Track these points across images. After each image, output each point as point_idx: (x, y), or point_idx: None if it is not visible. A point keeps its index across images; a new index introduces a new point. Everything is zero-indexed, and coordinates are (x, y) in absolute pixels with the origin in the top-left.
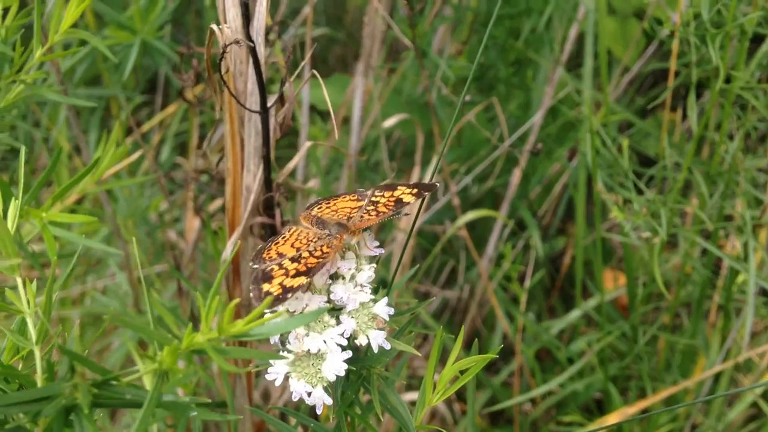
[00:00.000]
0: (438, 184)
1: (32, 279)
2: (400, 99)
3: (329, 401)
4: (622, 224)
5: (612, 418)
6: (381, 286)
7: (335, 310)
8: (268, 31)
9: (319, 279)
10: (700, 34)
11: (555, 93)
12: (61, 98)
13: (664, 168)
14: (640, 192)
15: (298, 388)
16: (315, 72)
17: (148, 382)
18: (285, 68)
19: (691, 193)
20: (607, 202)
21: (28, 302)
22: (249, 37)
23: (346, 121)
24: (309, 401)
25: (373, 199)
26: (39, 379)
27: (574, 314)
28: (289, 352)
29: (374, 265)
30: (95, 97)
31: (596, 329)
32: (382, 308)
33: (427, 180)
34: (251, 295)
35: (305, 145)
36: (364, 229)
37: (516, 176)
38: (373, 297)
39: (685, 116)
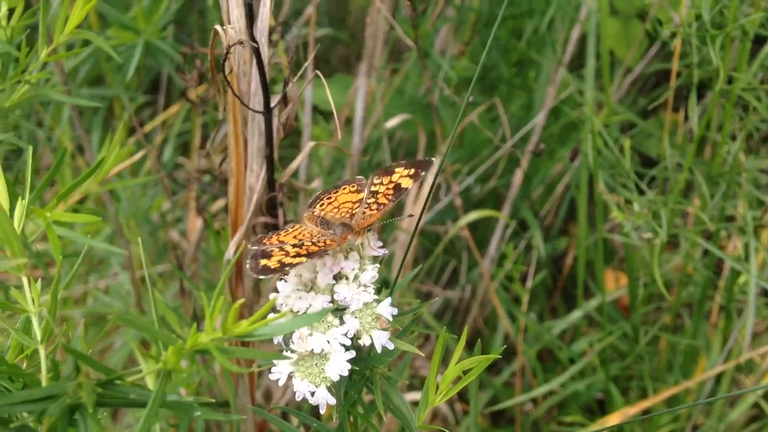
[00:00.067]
0: (434, 160)
1: (36, 278)
2: (402, 99)
3: (333, 401)
4: (623, 225)
5: (613, 419)
6: (383, 286)
7: (339, 310)
8: (271, 32)
9: (323, 279)
10: (701, 35)
11: (557, 93)
12: (66, 98)
13: (666, 169)
14: (641, 192)
15: (302, 388)
16: (318, 72)
17: (150, 382)
18: (288, 69)
19: (693, 193)
20: (608, 202)
21: (33, 301)
22: (253, 38)
23: (348, 121)
24: (312, 401)
25: (373, 188)
26: (44, 378)
27: (576, 314)
28: (293, 351)
29: (378, 265)
30: (98, 97)
31: (598, 329)
32: (386, 308)
33: (428, 182)
34: (247, 266)
35: (308, 145)
36: (368, 229)
37: (518, 177)
38: (376, 297)
39: (687, 117)
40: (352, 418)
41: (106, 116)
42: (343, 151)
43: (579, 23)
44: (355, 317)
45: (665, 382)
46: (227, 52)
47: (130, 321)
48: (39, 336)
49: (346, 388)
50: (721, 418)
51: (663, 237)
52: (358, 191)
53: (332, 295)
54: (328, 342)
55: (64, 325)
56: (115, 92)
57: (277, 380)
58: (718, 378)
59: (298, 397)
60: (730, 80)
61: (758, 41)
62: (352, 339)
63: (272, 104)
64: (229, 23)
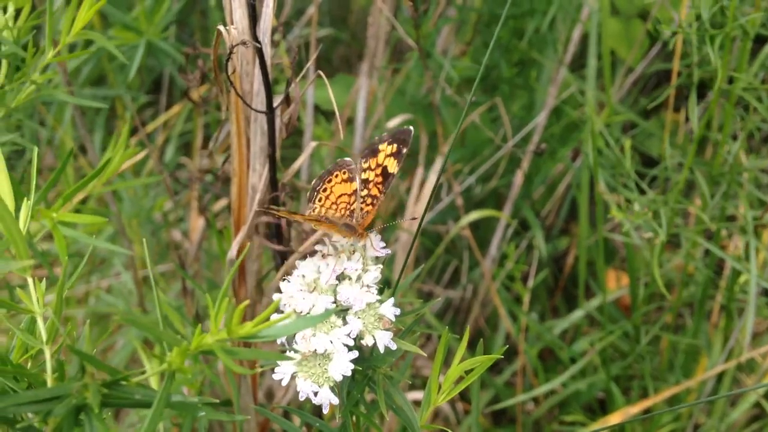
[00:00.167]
0: (411, 129)
1: (40, 278)
2: (403, 99)
3: (336, 401)
4: (624, 224)
5: (614, 418)
6: (385, 286)
7: (342, 311)
8: (273, 32)
9: (326, 279)
10: (700, 34)
11: (558, 93)
12: (70, 98)
13: (667, 168)
14: (642, 192)
15: (305, 388)
16: (321, 73)
17: (154, 382)
18: (290, 69)
19: (694, 193)
20: (609, 202)
21: (37, 301)
22: (255, 38)
23: (350, 121)
24: (316, 401)
25: (363, 175)
26: (49, 378)
27: (577, 314)
28: (296, 352)
29: (380, 265)
30: (100, 97)
31: (599, 329)
32: (389, 309)
33: (430, 182)
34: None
35: (310, 145)
36: (369, 229)
37: (519, 176)
38: (379, 298)
39: (688, 117)
40: (354, 418)
41: (108, 116)
42: (344, 150)
43: (580, 23)
44: (358, 318)
45: (666, 381)
46: (230, 52)
47: (135, 321)
48: (45, 336)
49: (348, 388)
50: (723, 417)
51: (663, 237)
52: (350, 179)
53: (335, 296)
54: (331, 342)
55: (68, 324)
56: (117, 92)
57: (280, 380)
58: (719, 377)
59: (302, 397)
60: (731, 80)
61: (759, 41)
62: (354, 339)
63: (275, 104)
64: (232, 23)
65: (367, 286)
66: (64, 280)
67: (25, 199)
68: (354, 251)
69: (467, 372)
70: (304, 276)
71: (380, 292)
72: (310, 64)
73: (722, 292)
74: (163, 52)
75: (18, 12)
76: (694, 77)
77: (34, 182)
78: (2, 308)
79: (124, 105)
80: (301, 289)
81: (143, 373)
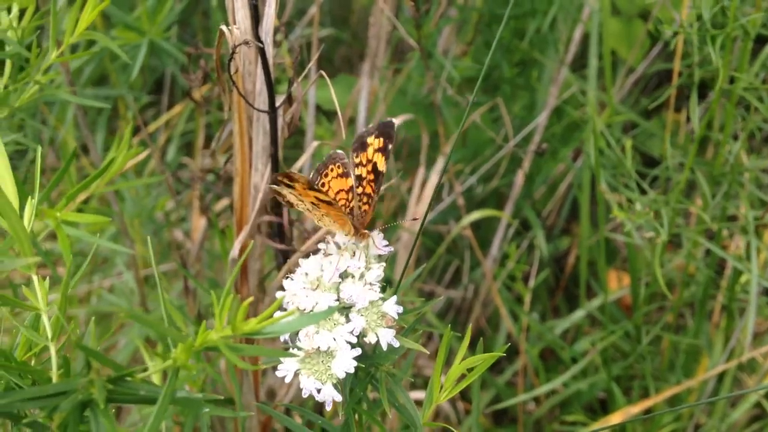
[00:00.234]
0: (395, 121)
1: (43, 277)
2: (405, 99)
3: (339, 398)
4: (625, 224)
5: (615, 418)
6: (387, 285)
7: (345, 309)
8: (275, 32)
9: (329, 277)
10: (702, 35)
11: (559, 93)
12: (73, 98)
13: (668, 168)
14: (643, 192)
15: (308, 385)
16: (323, 73)
17: (156, 380)
18: (292, 69)
19: (695, 193)
20: (610, 202)
21: (42, 299)
22: (258, 38)
23: (351, 121)
24: (319, 398)
25: (356, 171)
26: (54, 374)
27: (578, 314)
28: (299, 349)
29: (383, 263)
30: (102, 97)
31: (600, 329)
32: (392, 306)
33: (431, 182)
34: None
35: (312, 144)
36: (370, 229)
37: (520, 176)
38: (382, 295)
39: (689, 117)
40: (357, 416)
41: (110, 116)
42: (346, 150)
43: (581, 23)
44: (361, 315)
45: (667, 381)
46: (233, 52)
47: (140, 318)
48: (50, 333)
49: (351, 386)
50: (723, 417)
51: (665, 237)
52: (345, 174)
53: (338, 294)
54: (335, 340)
55: (71, 323)
56: (119, 92)
57: (281, 379)
58: (720, 377)
59: (305, 394)
60: (731, 80)
61: (759, 41)
62: (357, 336)
63: (277, 104)
64: (235, 23)
65: (370, 283)
66: (69, 277)
67: (30, 197)
68: (356, 250)
69: (469, 370)
70: (307, 274)
71: (383, 290)
72: (312, 64)
73: (723, 292)
74: (166, 52)
75: (22, 12)
76: (695, 77)
77: (38, 181)
78: (8, 305)
79: (127, 105)
80: (304, 287)
81: (147, 370)
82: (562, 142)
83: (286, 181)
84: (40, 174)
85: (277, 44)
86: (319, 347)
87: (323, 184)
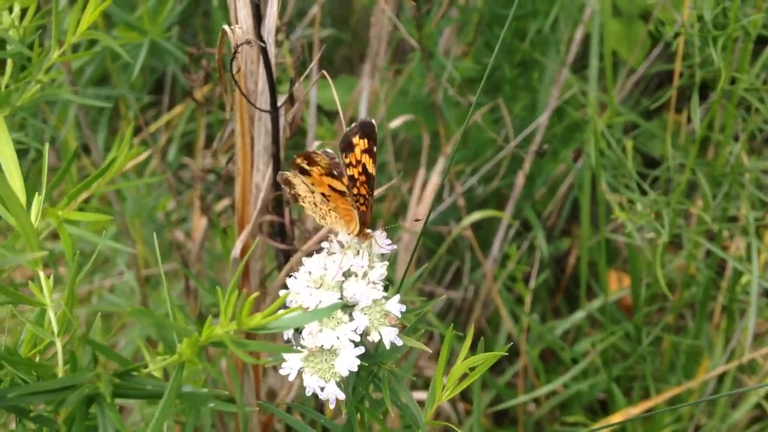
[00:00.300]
0: (374, 121)
1: (47, 276)
2: (405, 100)
3: (342, 396)
4: (626, 225)
5: (615, 419)
6: (389, 285)
7: (348, 307)
8: (276, 32)
9: (332, 275)
10: (703, 36)
11: (560, 94)
12: (75, 98)
13: (668, 169)
14: (644, 193)
15: (312, 383)
16: (325, 73)
17: (158, 376)
18: (294, 69)
19: (696, 194)
20: (611, 203)
21: (48, 294)
22: (260, 38)
23: (352, 121)
24: (322, 396)
25: (349, 172)
26: (60, 369)
27: (579, 315)
28: (303, 347)
29: (386, 262)
30: (104, 96)
31: (600, 330)
32: (395, 305)
33: (432, 183)
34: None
35: (313, 145)
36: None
37: (521, 177)
38: (385, 294)
39: (689, 118)
40: (359, 415)
41: (111, 116)
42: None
43: (582, 24)
44: (365, 314)
45: (668, 382)
46: (235, 52)
47: (146, 313)
48: (56, 329)
49: (354, 384)
50: (724, 418)
51: (665, 237)
52: (340, 174)
53: (342, 292)
54: (338, 338)
55: (75, 321)
56: (120, 92)
57: (282, 379)
58: (721, 378)
59: (308, 392)
60: (732, 81)
61: (760, 42)
62: (360, 335)
63: (279, 103)
64: (237, 23)
65: (373, 282)
66: (75, 274)
67: (37, 194)
68: (359, 249)
69: (471, 370)
70: (310, 272)
71: (385, 289)
72: (314, 64)
73: (724, 293)
74: (167, 52)
75: (24, 12)
76: (696, 78)
77: (45, 178)
78: (15, 302)
79: (128, 104)
80: (307, 285)
81: (148, 366)
82: (563, 143)
83: (304, 164)
84: (41, 173)
85: (278, 44)
86: (322, 345)
87: (314, 183)
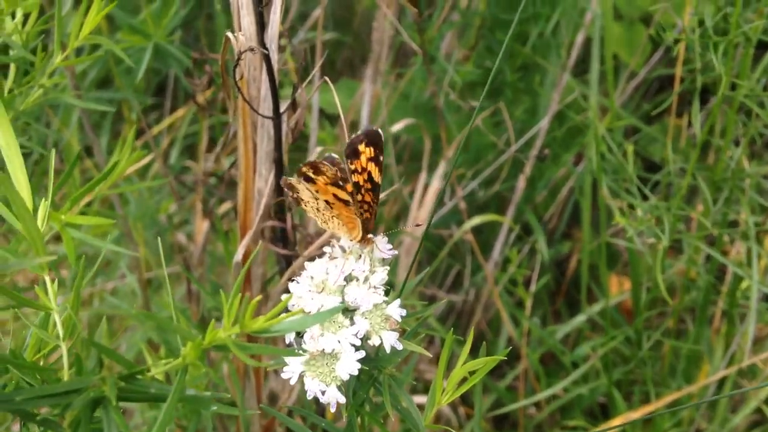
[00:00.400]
0: (380, 130)
1: (52, 279)
2: (407, 103)
3: (343, 400)
4: (627, 229)
5: (616, 423)
6: (390, 289)
7: (349, 311)
8: (279, 37)
9: (334, 280)
10: (704, 42)
11: (561, 98)
12: (78, 102)
13: (669, 173)
14: (645, 197)
15: (313, 387)
16: (327, 79)
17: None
18: (297, 74)
19: (696, 198)
20: (612, 207)
21: (53, 298)
22: (263, 45)
23: (354, 125)
24: (323, 400)
25: (354, 178)
26: (65, 373)
27: (579, 319)
28: (304, 351)
29: (387, 267)
30: (107, 100)
31: (601, 334)
32: (395, 309)
33: (433, 186)
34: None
35: (315, 150)
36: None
37: (522, 181)
38: (386, 299)
39: (690, 122)
40: (359, 418)
41: (114, 118)
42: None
43: (583, 28)
44: (366, 318)
45: (668, 386)
46: (238, 59)
47: (150, 317)
48: (62, 333)
49: (354, 388)
50: (724, 423)
51: (666, 242)
52: (344, 180)
53: (343, 297)
54: (339, 342)
55: (79, 324)
56: (123, 95)
57: (283, 383)
58: (721, 383)
59: (309, 396)
60: (733, 86)
61: (761, 47)
62: (361, 339)
63: (281, 109)
64: (240, 30)
65: (374, 287)
66: (81, 279)
67: (43, 199)
68: (361, 254)
69: (471, 374)
70: (312, 277)
71: (386, 293)
72: (316, 70)
73: (724, 297)
74: (171, 56)
75: (26, 17)
76: (697, 83)
77: (51, 185)
78: (22, 306)
79: (131, 107)
80: (309, 289)
81: (155, 368)
82: (564, 147)
83: (310, 172)
84: (46, 176)
85: (281, 49)
86: (323, 349)
87: (318, 191)
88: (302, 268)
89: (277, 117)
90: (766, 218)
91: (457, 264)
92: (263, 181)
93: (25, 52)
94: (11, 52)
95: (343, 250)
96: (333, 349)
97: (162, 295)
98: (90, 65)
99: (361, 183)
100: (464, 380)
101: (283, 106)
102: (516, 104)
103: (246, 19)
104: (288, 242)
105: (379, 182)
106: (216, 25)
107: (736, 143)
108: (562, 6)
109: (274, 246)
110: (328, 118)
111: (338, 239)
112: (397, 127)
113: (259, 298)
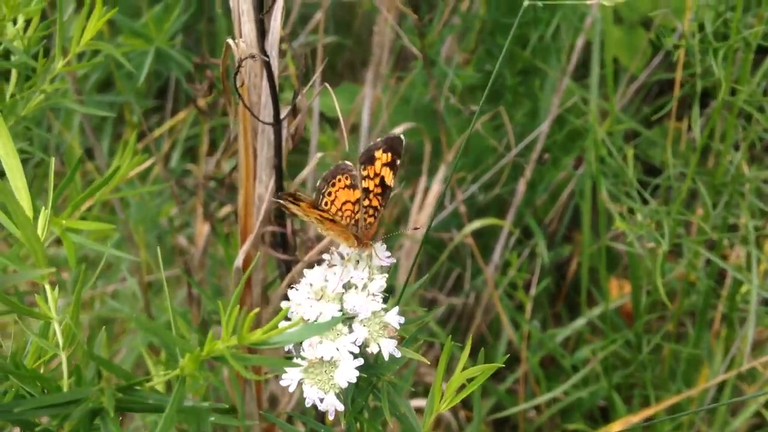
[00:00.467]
0: (403, 138)
1: (51, 284)
2: (407, 107)
3: (341, 407)
4: (627, 233)
5: (616, 427)
6: (390, 292)
7: (348, 319)
8: (280, 42)
9: (332, 287)
10: (704, 46)
11: (561, 102)
12: (79, 108)
13: (669, 177)
14: (645, 201)
15: (311, 394)
16: (327, 85)
17: (160, 388)
18: (297, 80)
19: (696, 202)
20: (612, 211)
21: (53, 307)
22: (264, 52)
23: (354, 129)
24: (322, 407)
25: (364, 183)
26: (65, 383)
27: (579, 322)
28: (303, 359)
29: (386, 274)
30: (108, 103)
31: (601, 337)
32: (394, 317)
33: (433, 190)
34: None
35: (315, 156)
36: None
37: (522, 184)
38: (384, 306)
39: (690, 126)
40: (358, 425)
41: (116, 122)
42: (352, 160)
43: (583, 32)
44: (364, 326)
45: (668, 390)
46: (239, 66)
47: (149, 326)
48: (61, 342)
49: (353, 395)
50: (723, 426)
51: (666, 246)
52: (353, 186)
53: (342, 304)
54: (338, 350)
55: (79, 332)
56: (125, 98)
57: (283, 388)
58: (721, 387)
59: (308, 404)
60: (733, 91)
61: (760, 52)
62: (360, 347)
63: (282, 116)
64: (241, 36)
65: (373, 294)
66: (80, 288)
67: (43, 208)
68: (359, 260)
69: (469, 380)
70: (311, 284)
71: (385, 300)
72: (317, 75)
73: (724, 301)
74: (172, 59)
75: (28, 22)
76: (697, 87)
77: (51, 193)
78: (21, 314)
79: (132, 110)
80: (308, 297)
81: (150, 379)
82: (564, 151)
83: (290, 200)
84: (47, 179)
85: (281, 54)
86: (322, 357)
87: (330, 194)
88: (302, 274)
89: (277, 123)
90: (766, 222)
91: (458, 267)
92: (263, 187)
93: (27, 57)
94: (13, 58)
95: (342, 257)
96: (331, 357)
97: (163, 298)
98: (91, 69)
99: (371, 188)
100: (463, 386)
101: (284, 112)
102: (516, 108)
103: (247, 26)
104: (288, 247)
105: (391, 185)
106: (217, 28)
107: (736, 147)
108: (562, 10)
109: (275, 251)
110: (329, 121)
111: (337, 246)
112: (397, 130)
113: (257, 310)
